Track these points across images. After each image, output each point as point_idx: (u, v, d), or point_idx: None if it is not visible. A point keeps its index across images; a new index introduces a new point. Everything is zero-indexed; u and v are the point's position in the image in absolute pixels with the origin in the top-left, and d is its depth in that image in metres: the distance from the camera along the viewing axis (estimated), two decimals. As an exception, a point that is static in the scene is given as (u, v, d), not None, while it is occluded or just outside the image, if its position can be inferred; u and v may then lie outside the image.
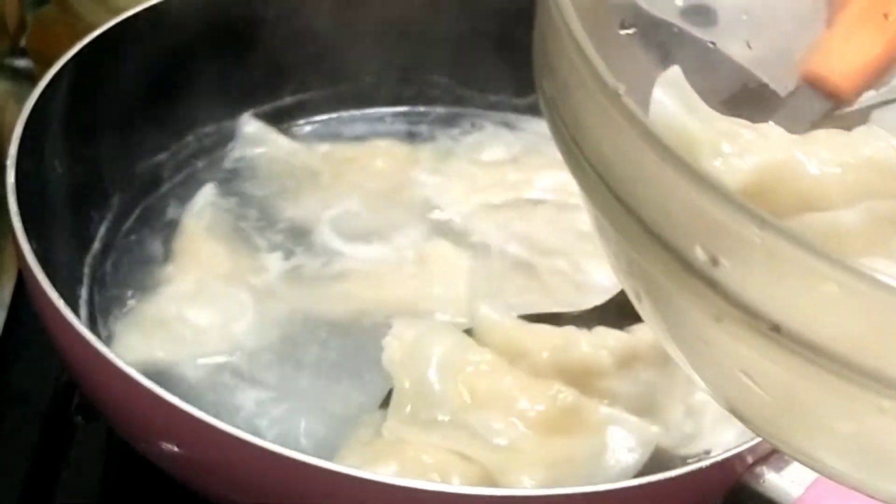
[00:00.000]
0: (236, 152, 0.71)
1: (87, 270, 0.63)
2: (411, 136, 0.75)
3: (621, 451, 0.52)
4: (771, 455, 0.49)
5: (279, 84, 0.74)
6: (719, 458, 0.48)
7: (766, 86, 0.45)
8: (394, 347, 0.56)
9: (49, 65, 0.62)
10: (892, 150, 0.38)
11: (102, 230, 0.66)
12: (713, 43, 0.43)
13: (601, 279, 0.65)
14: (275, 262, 0.65)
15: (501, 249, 0.68)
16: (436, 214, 0.69)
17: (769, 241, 0.26)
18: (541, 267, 0.67)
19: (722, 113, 0.38)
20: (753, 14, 0.45)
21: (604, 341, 0.56)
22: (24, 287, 0.61)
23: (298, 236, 0.67)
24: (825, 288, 0.26)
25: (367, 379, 0.59)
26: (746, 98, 0.43)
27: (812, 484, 0.48)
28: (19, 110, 0.59)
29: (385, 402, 0.55)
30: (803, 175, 0.36)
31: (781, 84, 0.45)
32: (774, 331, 0.27)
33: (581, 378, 0.55)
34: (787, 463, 0.49)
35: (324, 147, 0.73)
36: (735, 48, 0.44)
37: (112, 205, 0.67)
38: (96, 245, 0.65)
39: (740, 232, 0.26)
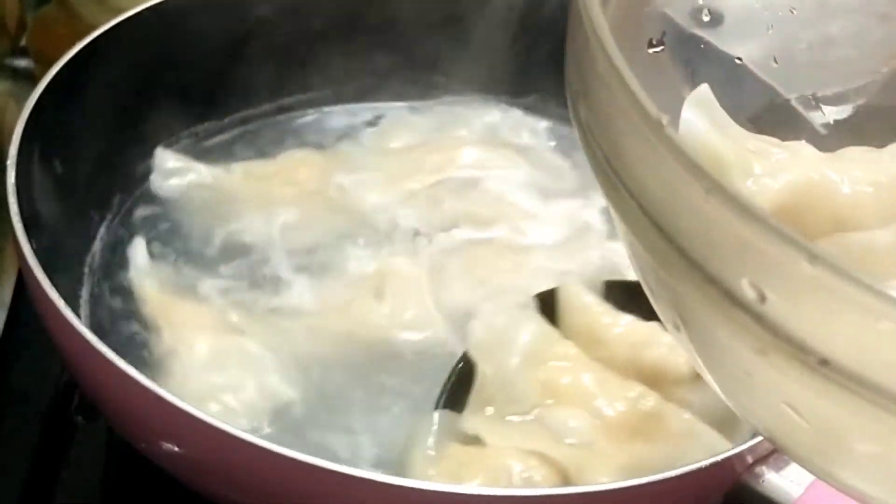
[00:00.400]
0: (156, 187, 0.68)
1: (87, 270, 0.63)
2: (320, 142, 0.74)
3: (696, 461, 0.51)
4: (771, 455, 0.49)
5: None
6: (719, 458, 0.48)
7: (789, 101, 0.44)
8: (479, 333, 0.56)
9: (49, 65, 0.62)
10: None
11: (103, 230, 0.66)
12: (739, 59, 0.43)
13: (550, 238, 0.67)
14: (235, 307, 0.62)
15: (451, 238, 0.67)
16: (375, 216, 0.68)
17: (819, 275, 0.25)
18: (497, 242, 0.67)
19: (750, 130, 0.37)
20: (759, 15, 0.45)
21: None
22: (24, 287, 0.61)
23: (249, 269, 0.65)
24: (879, 325, 0.25)
25: (389, 404, 0.58)
26: (773, 115, 0.43)
27: (812, 484, 0.48)
28: (20, 110, 0.59)
29: (439, 404, 0.55)
30: (836, 194, 0.36)
31: (785, 88, 0.45)
32: (823, 365, 0.26)
33: (656, 380, 0.55)
34: (786, 463, 0.49)
35: (241, 167, 0.70)
36: (740, 51, 0.44)
37: (112, 205, 0.67)
38: (97, 245, 0.65)
39: (788, 266, 0.26)
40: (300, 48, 0.74)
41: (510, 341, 0.55)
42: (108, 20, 0.65)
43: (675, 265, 0.29)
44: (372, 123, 0.76)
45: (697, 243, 0.28)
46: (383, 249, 0.66)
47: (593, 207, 0.70)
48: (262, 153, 0.72)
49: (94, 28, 0.64)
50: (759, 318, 0.27)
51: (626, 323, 0.57)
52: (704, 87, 0.37)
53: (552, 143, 0.76)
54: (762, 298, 0.27)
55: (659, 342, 0.56)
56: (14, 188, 0.55)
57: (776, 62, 0.44)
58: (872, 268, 0.35)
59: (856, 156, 0.38)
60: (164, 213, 0.67)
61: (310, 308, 0.63)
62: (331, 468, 0.45)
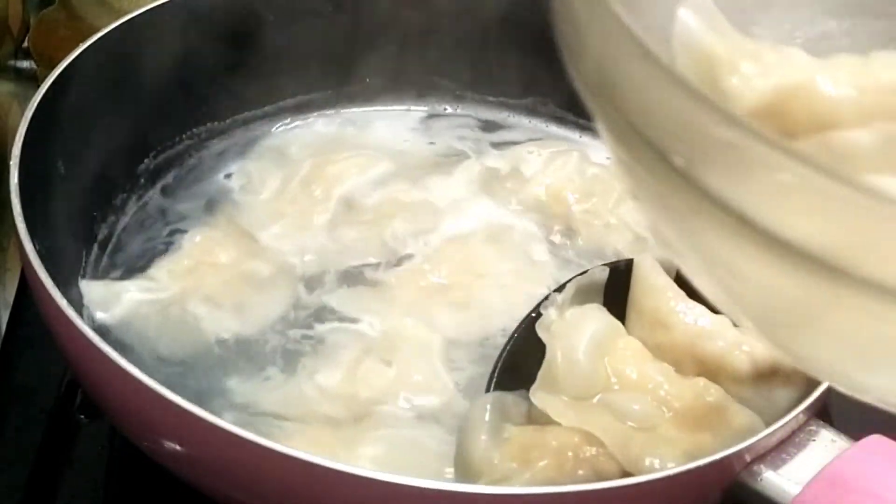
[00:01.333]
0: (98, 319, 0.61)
1: (89, 270, 0.64)
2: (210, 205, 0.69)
3: None
4: (769, 453, 0.49)
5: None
6: (718, 457, 0.48)
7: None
8: (551, 318, 0.57)
9: (52, 66, 0.62)
10: None
11: (105, 230, 0.66)
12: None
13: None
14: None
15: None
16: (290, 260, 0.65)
17: (729, 135, 0.27)
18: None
19: None
20: (747, 11, 0.45)
21: (749, 343, 0.56)
22: (27, 286, 0.61)
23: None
24: (779, 177, 0.27)
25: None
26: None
27: (810, 482, 0.48)
28: (23, 111, 0.59)
29: (490, 387, 0.56)
30: (820, 96, 0.37)
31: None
32: (741, 222, 0.28)
33: (713, 373, 0.56)
34: (784, 461, 0.49)
35: (163, 270, 0.64)
36: None
37: (115, 204, 0.67)
38: (99, 245, 0.65)
39: (705, 126, 0.28)
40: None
41: (579, 329, 0.56)
42: (110, 22, 0.65)
43: (636, 146, 0.31)
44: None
45: (644, 117, 0.30)
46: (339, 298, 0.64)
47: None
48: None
49: (96, 30, 0.65)
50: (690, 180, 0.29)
51: (693, 311, 0.57)
52: None
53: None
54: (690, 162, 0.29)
55: (722, 336, 0.56)
56: (17, 188, 0.55)
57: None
58: (853, 164, 0.36)
59: (846, 61, 0.39)
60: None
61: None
62: (332, 467, 0.45)
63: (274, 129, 0.76)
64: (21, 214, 0.54)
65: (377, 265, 0.66)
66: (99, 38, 0.64)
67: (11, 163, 0.56)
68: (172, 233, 0.67)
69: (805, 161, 0.27)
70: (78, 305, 0.60)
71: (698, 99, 0.28)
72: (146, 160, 0.70)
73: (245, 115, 0.75)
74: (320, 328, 0.62)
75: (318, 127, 0.76)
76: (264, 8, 0.72)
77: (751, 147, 0.27)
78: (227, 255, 0.65)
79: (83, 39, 0.64)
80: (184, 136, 0.72)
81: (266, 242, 0.66)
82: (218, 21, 0.70)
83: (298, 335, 0.62)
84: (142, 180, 0.69)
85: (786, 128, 0.38)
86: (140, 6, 0.67)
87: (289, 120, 0.76)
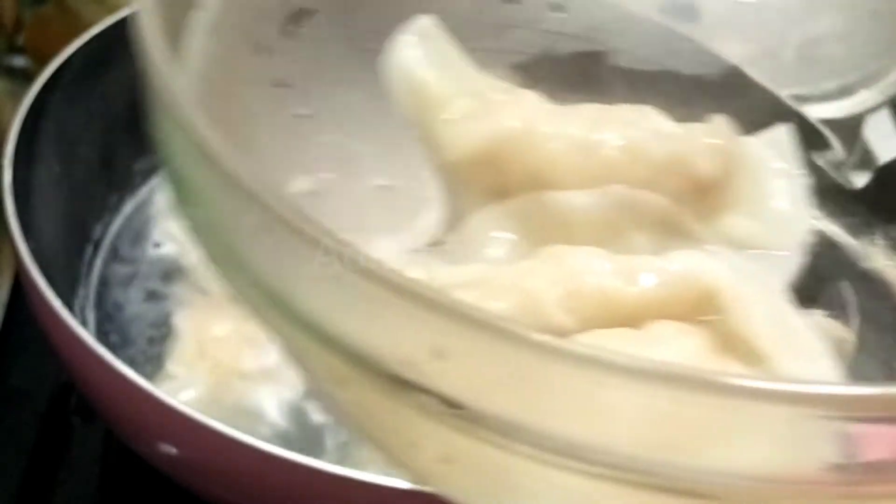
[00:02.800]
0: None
1: (84, 270, 0.63)
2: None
3: None
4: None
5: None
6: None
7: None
8: None
9: (46, 63, 0.61)
10: (651, 133, 0.36)
11: (100, 230, 0.65)
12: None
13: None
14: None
15: None
16: None
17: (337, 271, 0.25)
18: None
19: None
20: (739, 11, 0.44)
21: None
22: (21, 287, 0.60)
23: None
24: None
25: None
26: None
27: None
28: (16, 109, 0.59)
29: None
30: (543, 149, 0.35)
31: (774, 84, 0.44)
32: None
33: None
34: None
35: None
36: (721, 46, 0.43)
37: (110, 204, 0.67)
38: (93, 245, 0.65)
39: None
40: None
41: None
42: (105, 18, 0.65)
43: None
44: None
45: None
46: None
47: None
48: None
49: (91, 26, 0.64)
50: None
51: None
52: (427, 20, 0.36)
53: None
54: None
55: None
56: (11, 188, 0.55)
57: (763, 59, 0.44)
58: (565, 232, 0.34)
59: (586, 112, 0.37)
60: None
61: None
62: (329, 470, 0.45)
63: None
64: (15, 214, 0.53)
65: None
66: (94, 36, 0.64)
67: (4, 162, 0.56)
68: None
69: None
70: (72, 306, 0.59)
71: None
72: (143, 159, 0.69)
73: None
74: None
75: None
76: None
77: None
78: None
79: (78, 36, 0.63)
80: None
81: None
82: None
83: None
84: (138, 178, 0.69)
85: (501, 180, 0.35)
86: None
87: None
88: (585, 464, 0.25)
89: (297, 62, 0.36)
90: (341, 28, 0.37)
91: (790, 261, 0.39)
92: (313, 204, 0.36)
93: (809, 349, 0.35)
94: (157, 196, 0.69)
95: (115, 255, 0.65)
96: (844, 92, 0.44)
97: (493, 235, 0.37)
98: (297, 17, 0.36)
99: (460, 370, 0.24)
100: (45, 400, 0.62)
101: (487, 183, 0.37)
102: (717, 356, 0.34)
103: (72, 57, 0.62)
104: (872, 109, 0.44)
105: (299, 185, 0.36)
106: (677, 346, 0.33)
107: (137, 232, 0.66)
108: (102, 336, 0.59)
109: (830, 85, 0.44)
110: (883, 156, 0.43)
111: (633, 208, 0.36)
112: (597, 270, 0.33)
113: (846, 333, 0.40)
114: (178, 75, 0.29)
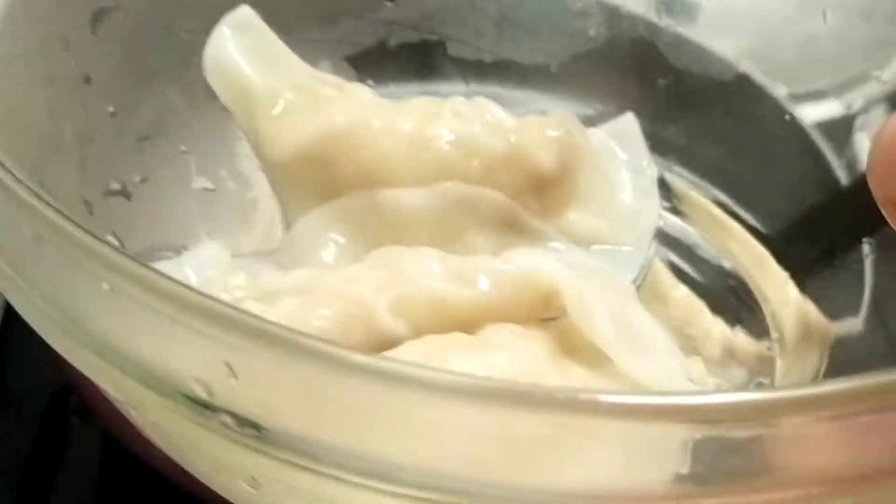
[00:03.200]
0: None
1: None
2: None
3: None
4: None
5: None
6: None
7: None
8: None
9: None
10: (487, 126, 0.35)
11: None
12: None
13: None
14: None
15: None
16: None
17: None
18: None
19: None
20: (735, 11, 0.43)
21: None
22: None
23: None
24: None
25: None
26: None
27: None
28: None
29: None
30: (372, 145, 0.33)
31: (772, 82, 0.44)
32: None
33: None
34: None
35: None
36: (718, 44, 0.43)
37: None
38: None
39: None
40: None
41: None
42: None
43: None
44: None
45: None
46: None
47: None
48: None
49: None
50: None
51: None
52: (245, 9, 0.34)
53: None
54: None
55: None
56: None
57: (758, 58, 0.43)
58: (399, 232, 0.33)
59: (416, 107, 0.35)
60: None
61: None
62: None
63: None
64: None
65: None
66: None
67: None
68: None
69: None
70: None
71: None
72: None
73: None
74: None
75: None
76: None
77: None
78: None
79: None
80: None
81: None
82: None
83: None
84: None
85: (331, 179, 0.34)
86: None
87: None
88: (407, 487, 0.23)
89: (105, 57, 0.34)
90: (156, 20, 0.34)
91: (635, 256, 0.38)
92: (127, 208, 0.34)
93: (653, 347, 0.34)
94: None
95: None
96: (838, 91, 0.43)
97: (324, 238, 0.35)
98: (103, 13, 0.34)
99: (253, 389, 0.22)
100: (45, 400, 0.60)
101: (318, 182, 0.35)
102: (558, 359, 0.32)
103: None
104: (866, 108, 0.43)
105: (111, 187, 0.34)
106: (513, 350, 0.31)
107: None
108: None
109: (825, 84, 0.43)
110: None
111: (470, 206, 0.34)
112: (428, 273, 0.32)
113: (767, 351, 0.40)
114: None
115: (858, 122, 0.43)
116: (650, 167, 0.39)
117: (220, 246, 0.34)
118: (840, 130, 0.42)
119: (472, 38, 0.40)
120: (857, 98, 0.43)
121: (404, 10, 0.39)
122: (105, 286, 0.23)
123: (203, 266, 0.33)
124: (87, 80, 0.33)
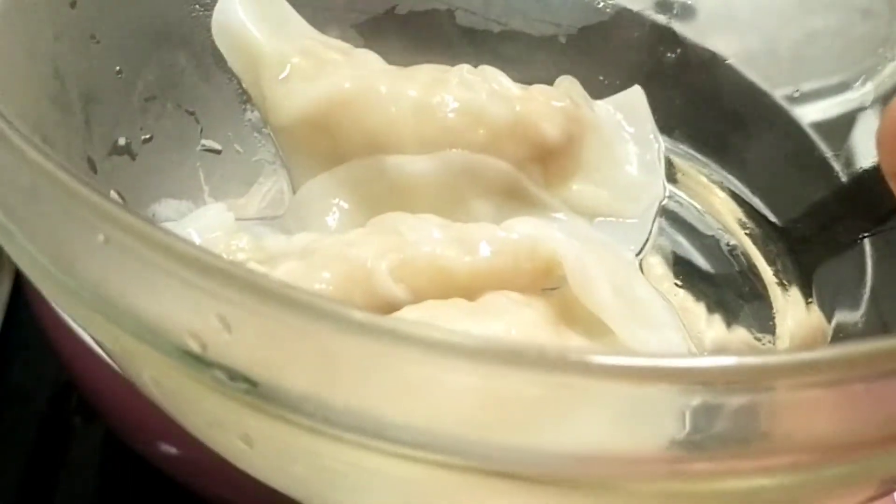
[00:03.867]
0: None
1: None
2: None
3: None
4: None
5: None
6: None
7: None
8: None
9: None
10: (493, 95, 0.35)
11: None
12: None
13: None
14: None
15: None
16: None
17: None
18: None
19: None
20: (733, 9, 0.43)
21: None
22: (21, 286, 0.59)
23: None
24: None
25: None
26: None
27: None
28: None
29: None
30: (378, 112, 0.33)
31: (769, 83, 0.43)
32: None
33: None
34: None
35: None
36: (717, 44, 0.42)
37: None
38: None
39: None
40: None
41: None
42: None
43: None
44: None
45: None
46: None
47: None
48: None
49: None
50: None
51: None
52: None
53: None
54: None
55: None
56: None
57: (757, 56, 0.42)
58: (402, 199, 0.33)
59: (424, 74, 0.35)
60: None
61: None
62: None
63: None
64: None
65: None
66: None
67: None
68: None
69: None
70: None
71: None
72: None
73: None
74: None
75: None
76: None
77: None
78: None
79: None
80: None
81: None
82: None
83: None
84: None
85: (336, 144, 0.34)
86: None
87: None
88: (399, 445, 0.23)
89: (112, 16, 0.34)
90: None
91: (639, 229, 0.37)
92: (131, 167, 0.34)
93: (654, 319, 0.34)
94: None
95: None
96: (837, 89, 0.43)
97: (328, 203, 0.35)
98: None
99: (246, 343, 0.22)
100: (45, 400, 0.60)
101: (323, 147, 0.35)
102: (557, 328, 0.32)
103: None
104: (864, 107, 0.43)
105: (116, 145, 0.34)
106: (512, 318, 0.31)
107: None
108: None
109: (823, 82, 0.43)
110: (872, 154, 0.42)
111: (474, 174, 0.34)
112: (429, 239, 0.32)
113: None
114: None
115: (857, 119, 0.43)
116: (657, 141, 0.39)
117: (224, 208, 0.34)
118: (839, 128, 0.42)
119: (480, 7, 0.40)
120: (856, 95, 0.43)
121: (413, -21, 0.39)
122: (100, 237, 0.23)
123: (207, 228, 0.33)
124: (94, 38, 0.33)
